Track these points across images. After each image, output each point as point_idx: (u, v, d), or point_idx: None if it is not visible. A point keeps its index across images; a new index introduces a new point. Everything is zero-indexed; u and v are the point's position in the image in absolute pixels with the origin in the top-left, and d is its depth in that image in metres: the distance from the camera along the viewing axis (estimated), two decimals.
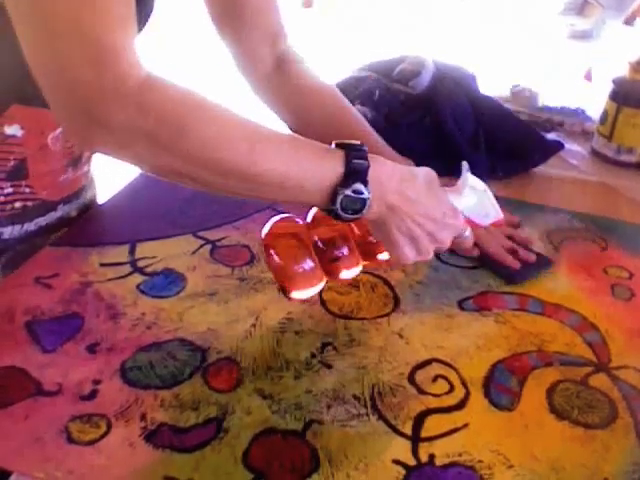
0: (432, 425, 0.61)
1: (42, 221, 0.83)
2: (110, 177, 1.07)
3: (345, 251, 0.68)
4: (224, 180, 0.57)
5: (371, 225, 0.65)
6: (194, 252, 0.83)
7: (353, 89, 1.12)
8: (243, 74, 0.87)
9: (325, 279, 0.69)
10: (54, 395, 0.62)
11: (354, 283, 0.79)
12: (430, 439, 0.60)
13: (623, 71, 1.10)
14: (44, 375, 0.64)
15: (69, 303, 0.74)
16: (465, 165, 0.71)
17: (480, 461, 0.58)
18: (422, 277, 0.80)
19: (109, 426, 0.60)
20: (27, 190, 0.79)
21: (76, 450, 0.57)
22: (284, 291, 0.68)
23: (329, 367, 0.67)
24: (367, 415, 0.62)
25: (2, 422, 0.59)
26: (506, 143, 1.04)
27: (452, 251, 0.80)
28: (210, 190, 0.60)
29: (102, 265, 0.80)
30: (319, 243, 0.68)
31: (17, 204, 0.79)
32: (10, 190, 0.78)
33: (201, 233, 0.87)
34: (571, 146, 1.15)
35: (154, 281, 0.78)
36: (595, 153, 1.14)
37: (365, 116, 1.06)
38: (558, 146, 1.08)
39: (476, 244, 0.81)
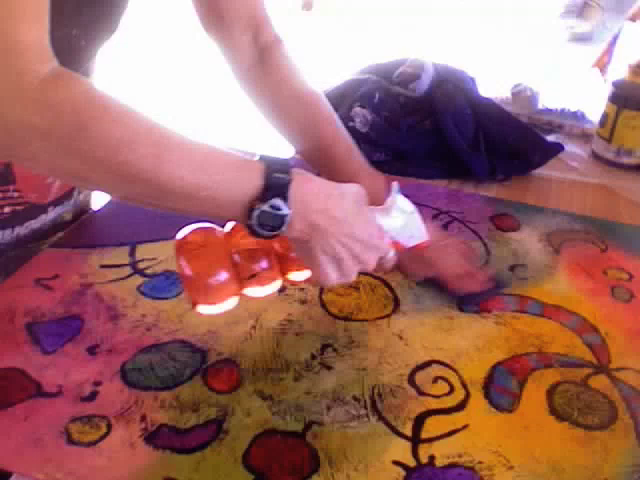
0: (432, 426, 0.61)
1: (34, 224, 0.82)
2: None
3: (264, 266, 0.64)
4: (129, 187, 0.54)
5: (293, 243, 0.62)
6: None
7: (353, 91, 1.12)
8: (228, 65, 0.85)
9: (239, 294, 0.65)
10: (54, 396, 0.62)
11: (354, 284, 0.79)
12: (430, 440, 0.60)
13: (623, 73, 1.10)
14: (44, 376, 0.64)
15: (69, 304, 0.74)
16: (395, 185, 0.67)
17: (480, 462, 0.58)
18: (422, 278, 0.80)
19: (109, 427, 0.60)
20: (15, 194, 0.78)
21: (76, 451, 0.57)
22: (192, 303, 0.65)
23: (329, 368, 0.67)
24: (367, 416, 0.62)
25: (2, 423, 0.60)
26: (506, 145, 1.05)
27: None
28: (117, 197, 0.56)
29: (102, 267, 0.80)
30: (236, 256, 0.64)
31: (6, 209, 0.78)
32: None
33: None
34: (571, 148, 1.15)
35: (154, 282, 0.78)
36: (595, 155, 1.14)
37: (365, 118, 1.07)
38: (558, 148, 1.08)
39: (431, 264, 0.78)
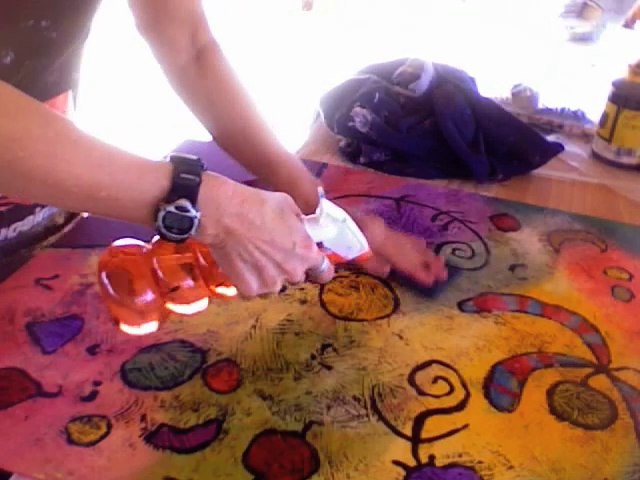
0: (432, 426, 0.61)
1: (22, 227, 0.81)
2: None
3: (189, 283, 0.61)
4: (25, 186, 0.52)
5: (213, 252, 0.59)
6: None
7: (353, 91, 1.12)
8: (160, 64, 0.83)
9: (166, 312, 0.63)
10: (54, 396, 0.62)
11: (354, 284, 0.79)
12: (430, 440, 0.60)
13: (623, 73, 1.10)
14: (44, 376, 0.64)
15: (69, 304, 0.74)
16: (320, 191, 0.62)
17: (480, 462, 0.58)
18: None
19: (109, 427, 0.60)
20: None
21: (76, 451, 0.57)
22: (115, 322, 0.62)
23: (329, 368, 0.67)
24: (367, 416, 0.62)
25: (2, 423, 0.60)
26: (506, 145, 1.05)
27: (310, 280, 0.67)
28: (17, 195, 0.54)
29: None
30: (159, 271, 0.60)
31: None
32: None
33: None
34: (571, 148, 1.15)
35: None
36: (595, 155, 1.14)
37: (365, 118, 1.07)
38: (558, 148, 1.08)
39: (389, 260, 0.79)
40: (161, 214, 0.53)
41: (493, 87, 1.26)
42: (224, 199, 0.55)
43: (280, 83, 3.28)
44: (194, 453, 0.58)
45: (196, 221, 0.54)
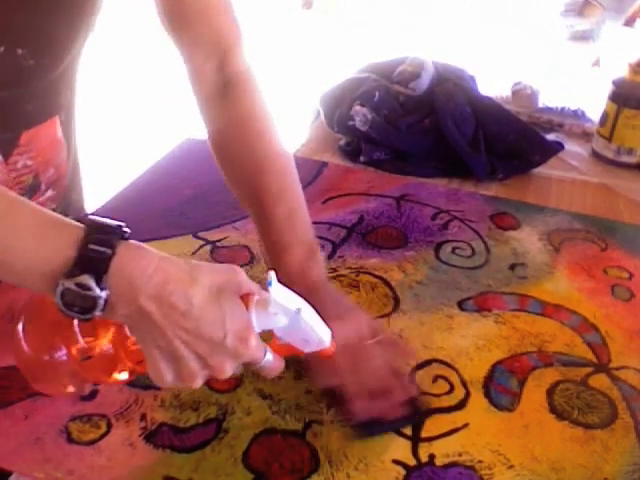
0: (432, 425, 0.61)
1: None
2: (107, 182, 1.07)
3: (107, 350, 0.54)
4: None
5: (129, 329, 0.52)
6: (194, 253, 0.83)
7: (353, 90, 1.12)
8: (192, 91, 0.76)
9: (83, 379, 0.56)
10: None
11: (354, 283, 0.79)
12: (430, 439, 0.60)
13: (623, 72, 1.10)
14: None
15: None
16: (270, 274, 0.52)
17: (480, 461, 0.58)
18: (422, 277, 0.80)
19: (109, 426, 0.60)
20: None
21: (76, 450, 0.57)
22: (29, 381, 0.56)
23: None
24: None
25: (2, 422, 0.59)
26: (506, 144, 1.05)
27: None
28: None
29: None
30: (79, 335, 0.53)
31: None
32: None
33: (201, 234, 0.87)
34: (571, 147, 1.15)
35: None
36: (595, 154, 1.14)
37: (365, 117, 1.06)
38: (558, 147, 1.08)
39: (337, 371, 0.62)
40: (59, 290, 0.46)
41: (493, 85, 1.25)
42: (140, 277, 0.47)
43: (280, 82, 3.27)
44: (194, 452, 0.58)
45: (101, 301, 0.46)
